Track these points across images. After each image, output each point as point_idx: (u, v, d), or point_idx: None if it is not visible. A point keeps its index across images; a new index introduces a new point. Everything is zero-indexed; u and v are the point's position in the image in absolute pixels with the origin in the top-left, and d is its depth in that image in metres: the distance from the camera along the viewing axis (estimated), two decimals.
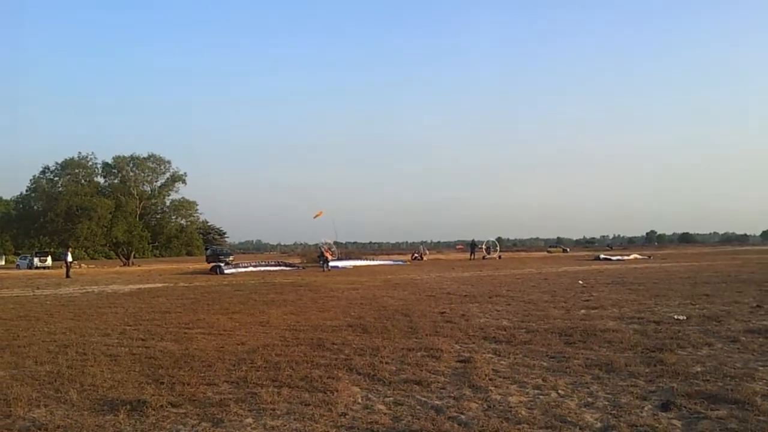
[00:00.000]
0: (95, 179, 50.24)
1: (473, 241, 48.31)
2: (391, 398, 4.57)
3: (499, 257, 45.48)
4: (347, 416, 4.11)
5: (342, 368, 5.58)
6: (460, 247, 71.69)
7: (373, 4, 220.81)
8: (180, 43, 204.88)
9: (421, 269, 28.52)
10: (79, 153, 48.48)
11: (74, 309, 11.72)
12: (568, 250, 77.60)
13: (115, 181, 50.92)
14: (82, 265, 45.14)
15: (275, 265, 32.20)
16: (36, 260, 44.00)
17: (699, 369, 5.34)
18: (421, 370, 5.46)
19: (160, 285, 19.28)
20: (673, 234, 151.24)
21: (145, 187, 52.12)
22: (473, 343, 6.96)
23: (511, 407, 4.26)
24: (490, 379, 5.10)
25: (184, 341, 7.35)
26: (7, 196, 63.56)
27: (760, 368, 5.34)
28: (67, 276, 25.97)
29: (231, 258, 45.94)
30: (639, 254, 45.44)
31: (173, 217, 53.87)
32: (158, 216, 53.19)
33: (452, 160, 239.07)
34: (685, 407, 4.16)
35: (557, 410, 4.15)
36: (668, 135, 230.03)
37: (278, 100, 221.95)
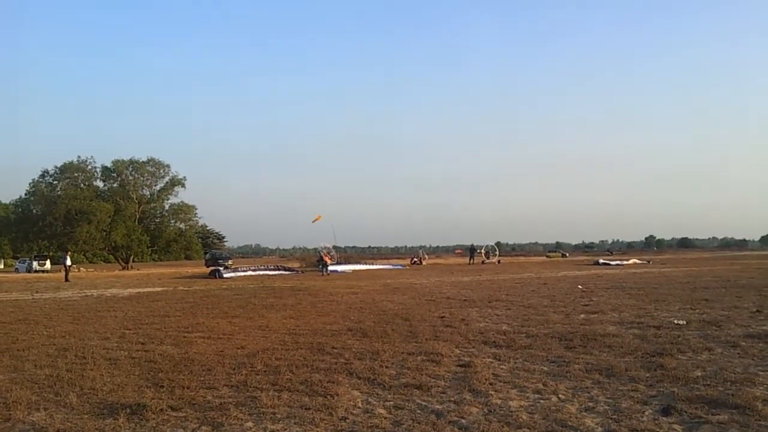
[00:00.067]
0: (94, 183, 50.25)
1: (472, 245, 48.23)
2: (391, 402, 4.56)
3: (498, 262, 45.49)
4: (347, 420, 4.10)
5: (342, 372, 5.58)
6: (459, 251, 71.78)
7: (373, 5, 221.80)
8: (180, 43, 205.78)
9: (420, 274, 28.49)
10: (78, 157, 48.57)
11: (73, 312, 11.69)
12: (567, 254, 77.74)
13: (115, 184, 50.96)
14: (81, 268, 45.20)
15: (274, 270, 32.14)
16: (35, 264, 44.13)
17: (699, 374, 5.34)
18: (422, 375, 5.45)
19: (159, 289, 19.24)
20: (672, 239, 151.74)
21: (144, 191, 52.15)
22: (473, 347, 6.96)
23: (511, 412, 4.26)
24: (491, 384, 5.09)
25: (183, 345, 7.34)
26: (6, 200, 63.77)
27: (761, 373, 5.34)
28: (66, 279, 25.96)
29: (230, 262, 46.11)
30: (638, 259, 45.61)
31: (172, 221, 53.78)
32: (157, 220, 53.11)
33: (451, 163, 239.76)
34: (686, 412, 4.16)
35: (558, 415, 4.15)
36: (668, 136, 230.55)
37: (278, 101, 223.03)
